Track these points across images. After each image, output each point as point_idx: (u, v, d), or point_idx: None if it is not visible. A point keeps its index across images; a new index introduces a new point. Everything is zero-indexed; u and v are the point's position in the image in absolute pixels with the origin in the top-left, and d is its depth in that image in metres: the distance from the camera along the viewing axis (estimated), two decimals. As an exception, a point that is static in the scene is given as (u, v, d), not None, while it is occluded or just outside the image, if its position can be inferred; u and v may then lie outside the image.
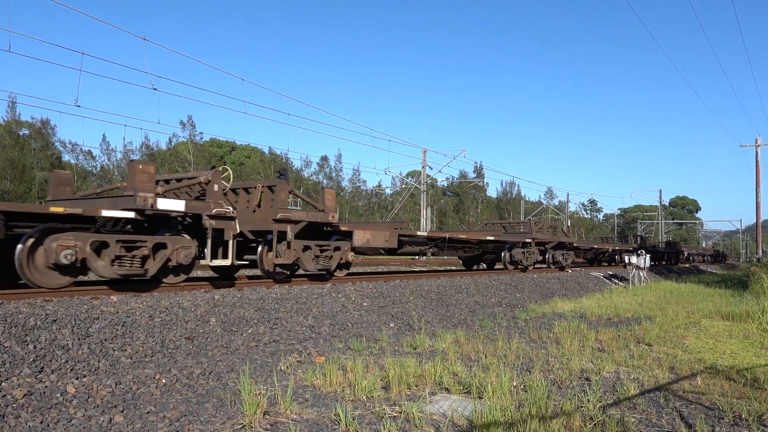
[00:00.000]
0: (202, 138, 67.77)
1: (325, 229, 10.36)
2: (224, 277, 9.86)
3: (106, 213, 6.86)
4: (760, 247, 33.77)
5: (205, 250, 7.86)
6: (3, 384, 4.34)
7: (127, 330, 5.65)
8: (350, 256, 10.52)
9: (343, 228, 10.52)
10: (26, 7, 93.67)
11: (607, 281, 20.21)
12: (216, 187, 7.99)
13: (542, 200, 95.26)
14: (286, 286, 8.86)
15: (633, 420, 4.12)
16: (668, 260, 37.88)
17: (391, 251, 12.57)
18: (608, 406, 4.47)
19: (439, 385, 5.09)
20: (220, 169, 8.30)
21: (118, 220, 7.45)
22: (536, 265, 20.07)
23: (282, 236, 8.97)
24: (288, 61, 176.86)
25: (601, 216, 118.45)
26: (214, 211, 7.74)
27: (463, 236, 14.72)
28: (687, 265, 42.22)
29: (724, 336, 8.27)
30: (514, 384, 5.04)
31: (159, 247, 7.27)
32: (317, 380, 5.12)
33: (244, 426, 3.91)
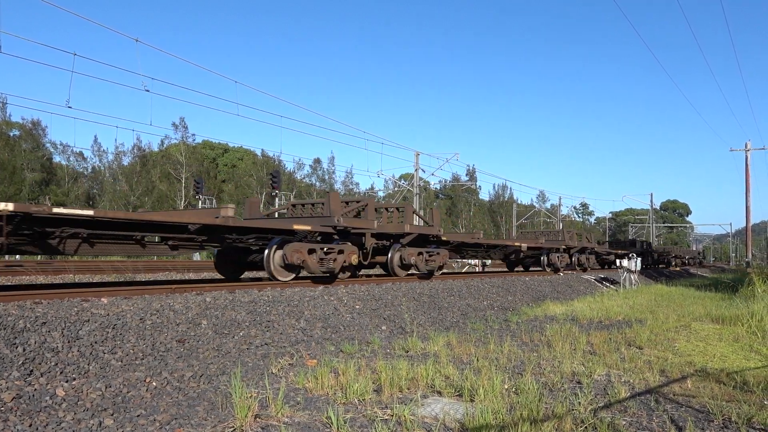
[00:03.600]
0: (194, 140, 67.52)
1: None
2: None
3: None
4: (749, 250, 34.05)
5: None
6: (-9, 387, 4.29)
7: (118, 333, 5.62)
8: None
9: None
10: (17, 6, 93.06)
11: (599, 284, 20.31)
12: None
13: (534, 203, 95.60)
14: (278, 288, 8.83)
15: (624, 423, 4.14)
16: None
17: None
18: (599, 409, 4.49)
19: (431, 387, 5.09)
20: None
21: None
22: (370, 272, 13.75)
23: None
24: (281, 63, 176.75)
25: (592, 219, 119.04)
26: None
27: (157, 218, 7.83)
28: (678, 269, 42.13)
29: (714, 339, 8.32)
30: (506, 387, 5.05)
31: None
32: (309, 383, 5.11)
33: (235, 429, 3.90)
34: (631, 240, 34.56)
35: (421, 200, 41.63)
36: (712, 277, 32.73)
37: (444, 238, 13.87)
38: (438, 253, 13.44)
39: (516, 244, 18.49)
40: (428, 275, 13.40)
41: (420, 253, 12.80)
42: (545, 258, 20.52)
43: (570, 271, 22.19)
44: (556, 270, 20.62)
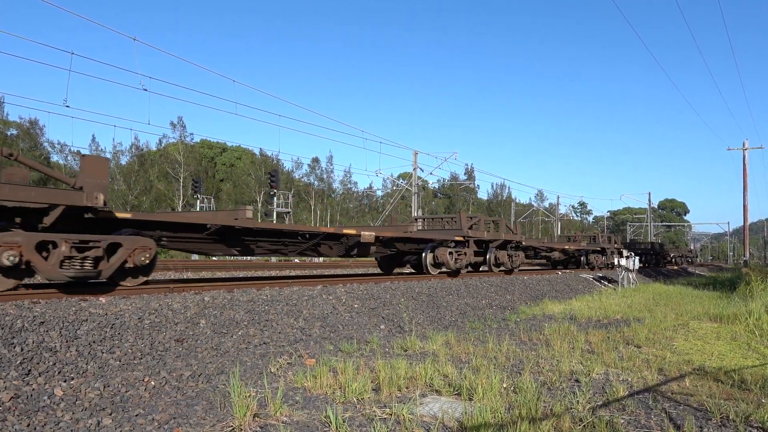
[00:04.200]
0: (192, 139, 67.47)
1: None
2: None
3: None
4: (747, 249, 34.12)
5: None
6: (-11, 387, 4.28)
7: (116, 332, 5.61)
8: None
9: None
10: (14, 5, 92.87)
11: (597, 283, 20.33)
12: None
13: (533, 202, 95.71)
14: (276, 288, 8.83)
15: (622, 421, 4.15)
16: (567, 264, 25.74)
17: None
18: (598, 408, 4.49)
19: (430, 386, 5.10)
20: None
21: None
22: None
23: None
24: (279, 63, 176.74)
25: (590, 218, 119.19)
26: None
27: None
28: (676, 267, 42.01)
29: (712, 337, 8.34)
30: (505, 386, 5.05)
31: None
32: (307, 382, 5.11)
33: (233, 428, 3.90)
34: (591, 235, 27.08)
35: (419, 199, 41.65)
36: (710, 276, 32.78)
37: (120, 216, 7.36)
38: (121, 245, 7.08)
39: (350, 232, 11.33)
40: (96, 286, 7.31)
41: (51, 245, 6.44)
42: (429, 255, 14.16)
43: (488, 273, 16.62)
44: (455, 273, 14.71)
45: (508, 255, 17.48)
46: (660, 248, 39.27)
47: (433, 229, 15.91)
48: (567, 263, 25.65)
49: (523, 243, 18.95)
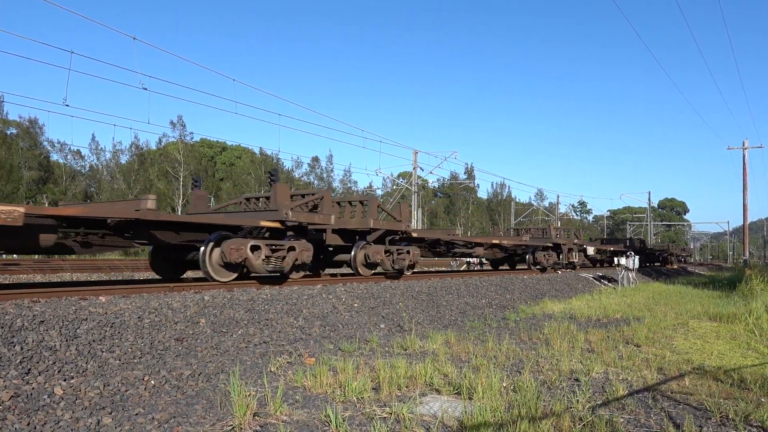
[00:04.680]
0: (192, 138, 67.40)
1: None
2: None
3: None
4: (746, 248, 34.10)
5: None
6: (-11, 386, 4.28)
7: (116, 331, 5.61)
8: None
9: None
10: (14, 5, 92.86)
11: (597, 282, 20.33)
12: None
13: (533, 201, 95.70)
14: (276, 287, 8.82)
15: (622, 420, 4.15)
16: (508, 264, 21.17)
17: None
18: (597, 407, 4.49)
19: (430, 386, 5.10)
20: None
21: None
22: None
23: None
24: (279, 62, 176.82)
25: (590, 217, 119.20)
26: None
27: None
28: (675, 267, 41.96)
29: (711, 337, 8.34)
30: (504, 385, 5.06)
31: None
32: (307, 381, 5.11)
33: (233, 427, 3.90)
34: (540, 228, 22.17)
35: (419, 199, 41.66)
36: (709, 275, 32.78)
37: None
38: None
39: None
40: None
41: None
42: (211, 252, 8.71)
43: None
44: (277, 279, 9.86)
45: (386, 251, 11.98)
46: (641, 245, 33.53)
47: (240, 211, 10.72)
48: (512, 262, 21.00)
49: (414, 234, 13.37)
